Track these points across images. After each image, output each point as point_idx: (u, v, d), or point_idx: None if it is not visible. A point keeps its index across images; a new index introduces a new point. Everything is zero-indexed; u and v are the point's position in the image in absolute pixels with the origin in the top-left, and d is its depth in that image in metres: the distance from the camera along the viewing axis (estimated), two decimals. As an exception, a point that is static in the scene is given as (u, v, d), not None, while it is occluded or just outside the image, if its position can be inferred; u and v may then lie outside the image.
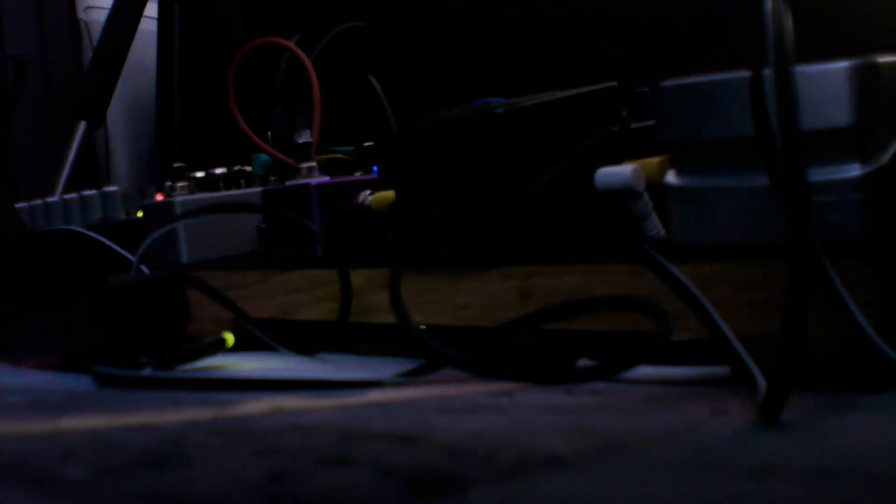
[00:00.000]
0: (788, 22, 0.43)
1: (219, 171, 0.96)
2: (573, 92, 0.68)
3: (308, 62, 0.84)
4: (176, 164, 0.92)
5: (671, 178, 0.57)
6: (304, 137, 0.82)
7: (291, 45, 0.86)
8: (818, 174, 0.49)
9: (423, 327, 0.63)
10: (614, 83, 0.71)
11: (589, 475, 0.36)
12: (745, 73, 0.50)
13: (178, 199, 0.89)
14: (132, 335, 0.69)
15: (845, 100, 0.49)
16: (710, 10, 0.92)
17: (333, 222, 0.78)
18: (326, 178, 0.81)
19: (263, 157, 0.94)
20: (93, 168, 1.55)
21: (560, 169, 0.65)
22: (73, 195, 1.09)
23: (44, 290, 1.00)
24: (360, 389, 0.57)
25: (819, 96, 0.49)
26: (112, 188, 1.07)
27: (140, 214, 0.98)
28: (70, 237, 0.97)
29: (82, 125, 1.33)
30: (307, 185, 0.78)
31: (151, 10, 1.38)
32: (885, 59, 0.51)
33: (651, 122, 0.71)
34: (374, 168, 0.87)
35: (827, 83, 0.50)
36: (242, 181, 0.97)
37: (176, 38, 1.38)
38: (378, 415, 0.51)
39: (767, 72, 0.43)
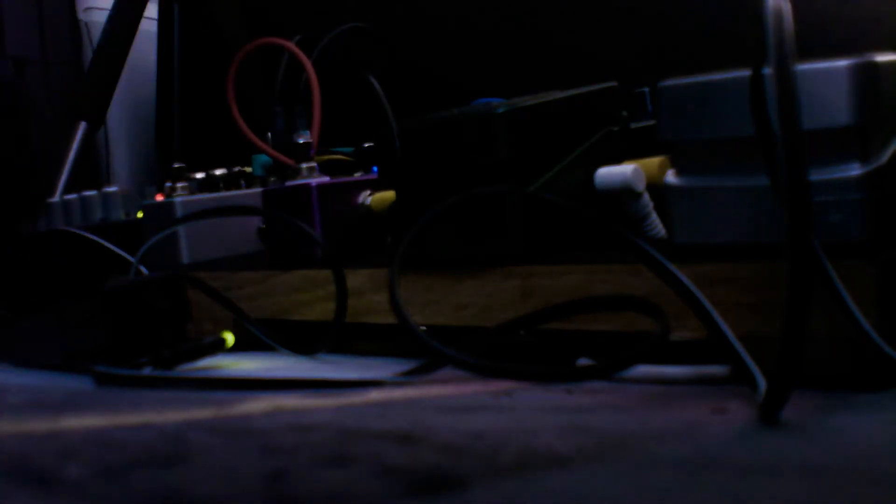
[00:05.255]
0: (788, 22, 0.43)
1: (219, 171, 0.96)
2: (573, 92, 0.68)
3: (308, 63, 0.84)
4: (176, 165, 0.92)
5: (671, 178, 0.57)
6: (304, 138, 0.83)
7: (291, 45, 0.86)
8: (818, 174, 0.49)
9: (424, 328, 0.63)
10: (614, 83, 0.71)
11: (589, 474, 0.36)
12: (745, 73, 0.50)
13: (178, 199, 0.89)
14: (132, 335, 0.69)
15: (845, 99, 0.49)
16: (710, 10, 0.92)
17: (333, 222, 0.79)
18: (326, 179, 0.81)
19: (263, 157, 0.94)
20: (93, 169, 1.55)
21: (560, 169, 0.65)
22: (73, 196, 1.09)
23: (44, 290, 1.00)
24: (360, 389, 0.57)
25: (819, 96, 0.49)
26: (112, 189, 1.08)
27: (140, 215, 0.98)
28: (70, 238, 0.97)
29: (82, 125, 1.33)
30: (307, 186, 0.78)
31: (151, 10, 1.38)
32: (885, 58, 0.51)
33: (651, 122, 0.71)
34: (374, 168, 0.87)
35: (827, 83, 0.50)
36: (242, 182, 0.97)
37: (176, 39, 1.38)
38: (378, 414, 0.51)
39: (767, 71, 0.43)
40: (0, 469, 0.39)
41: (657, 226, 0.67)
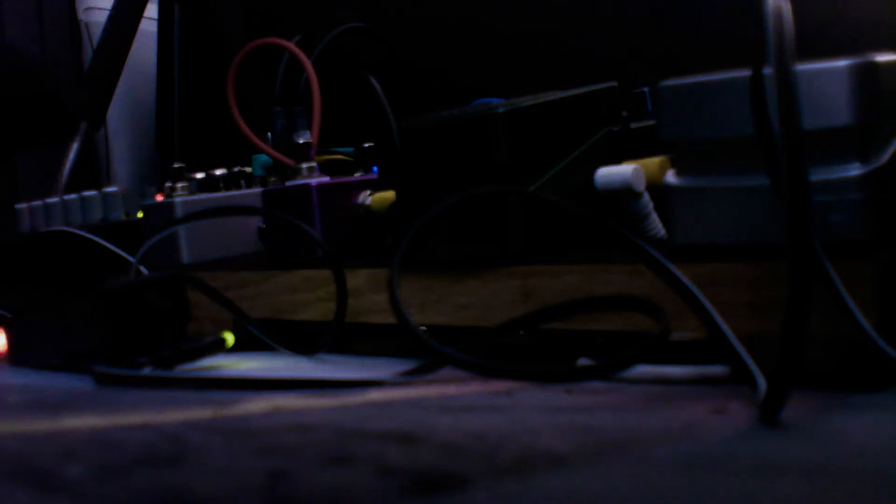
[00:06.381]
0: (788, 22, 0.43)
1: (219, 171, 0.96)
2: (573, 92, 0.68)
3: (308, 63, 0.84)
4: (176, 165, 0.92)
5: (671, 178, 0.57)
6: (304, 138, 0.83)
7: (291, 45, 0.86)
8: (818, 174, 0.49)
9: (424, 328, 0.63)
10: (614, 83, 0.71)
11: (589, 474, 0.36)
12: (745, 73, 0.50)
13: (178, 199, 0.89)
14: (132, 335, 0.69)
15: (845, 99, 0.49)
16: (710, 10, 0.92)
17: (333, 222, 0.79)
18: (326, 179, 0.81)
19: (263, 157, 0.94)
20: (93, 168, 1.55)
21: (560, 169, 0.65)
22: (73, 196, 1.09)
23: (44, 291, 1.00)
24: (360, 389, 0.57)
25: (819, 96, 0.49)
26: (112, 189, 1.08)
27: (140, 215, 0.98)
28: (69, 238, 0.97)
29: (82, 125, 1.33)
30: (307, 186, 0.78)
31: (151, 10, 1.38)
32: (885, 58, 0.51)
33: (651, 122, 0.71)
34: (374, 168, 0.87)
35: (827, 83, 0.50)
36: (242, 182, 0.97)
37: (176, 39, 1.38)
38: (378, 414, 0.51)
39: (768, 71, 0.43)
40: (0, 469, 0.39)
41: (657, 226, 0.67)
